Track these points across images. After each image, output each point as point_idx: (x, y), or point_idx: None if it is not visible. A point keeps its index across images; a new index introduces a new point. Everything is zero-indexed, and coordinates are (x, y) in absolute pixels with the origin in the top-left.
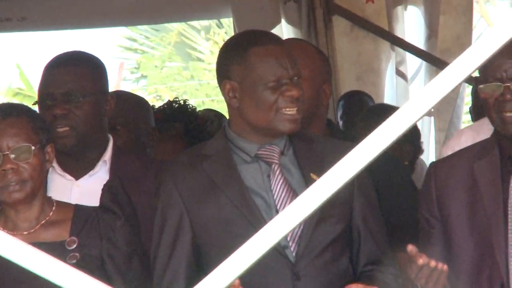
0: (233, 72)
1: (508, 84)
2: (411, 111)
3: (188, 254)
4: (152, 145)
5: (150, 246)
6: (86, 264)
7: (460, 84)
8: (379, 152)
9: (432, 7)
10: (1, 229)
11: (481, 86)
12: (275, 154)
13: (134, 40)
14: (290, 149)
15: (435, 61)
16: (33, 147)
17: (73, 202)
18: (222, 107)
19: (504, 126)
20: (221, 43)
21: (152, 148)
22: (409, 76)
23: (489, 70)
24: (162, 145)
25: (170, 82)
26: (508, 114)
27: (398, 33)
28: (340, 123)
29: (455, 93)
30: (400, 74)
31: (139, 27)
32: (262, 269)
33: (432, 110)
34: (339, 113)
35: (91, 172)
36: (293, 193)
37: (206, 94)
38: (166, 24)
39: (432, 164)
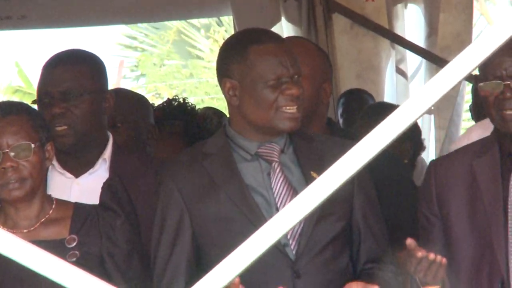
0: (233, 70)
1: (508, 82)
2: (411, 109)
3: (188, 253)
4: (152, 143)
5: (150, 244)
6: (85, 262)
7: (460, 82)
8: (379, 150)
9: (432, 5)
10: (1, 227)
11: (481, 84)
12: (275, 152)
13: (134, 38)
14: (290, 147)
15: (435, 59)
16: (33, 145)
17: (73, 200)
18: (221, 105)
19: (504, 124)
20: (221, 41)
21: (152, 146)
22: (409, 74)
23: (489, 68)
24: (161, 143)
25: (169, 80)
26: (508, 112)
27: (398, 31)
28: (340, 121)
29: (455, 91)
30: (400, 72)
31: (139, 25)
32: (262, 267)
33: (432, 108)
34: (339, 111)
35: (91, 170)
36: (293, 191)
37: (206, 92)
38: (165, 22)
39: (432, 162)
